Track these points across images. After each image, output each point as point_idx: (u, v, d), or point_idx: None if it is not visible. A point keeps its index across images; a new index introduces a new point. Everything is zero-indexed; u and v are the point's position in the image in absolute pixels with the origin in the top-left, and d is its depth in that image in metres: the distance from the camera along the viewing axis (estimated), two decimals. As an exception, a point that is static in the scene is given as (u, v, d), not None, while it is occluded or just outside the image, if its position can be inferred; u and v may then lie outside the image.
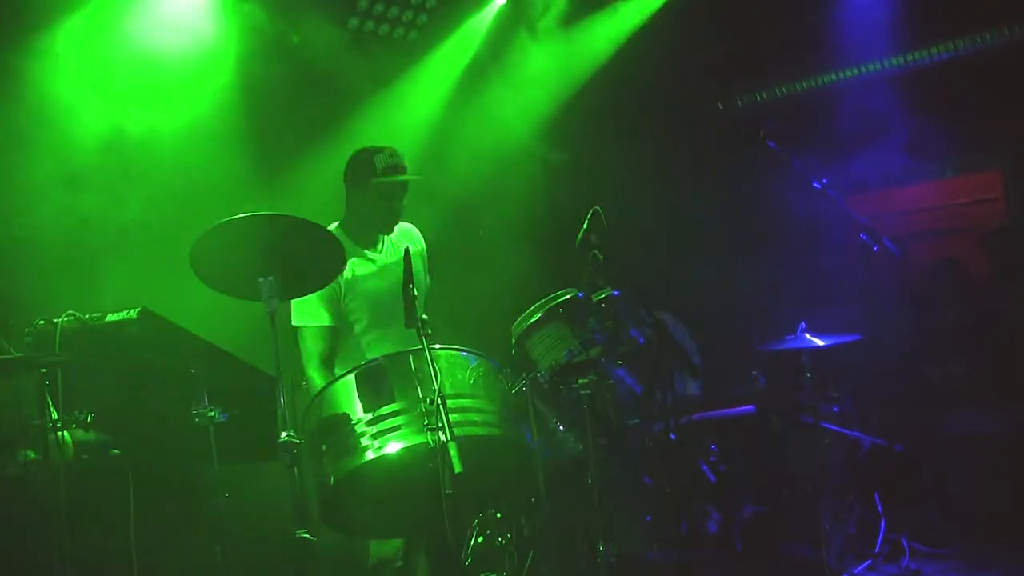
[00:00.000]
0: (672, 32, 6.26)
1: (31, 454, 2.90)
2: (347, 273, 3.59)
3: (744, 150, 5.56)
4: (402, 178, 3.73)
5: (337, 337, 3.67)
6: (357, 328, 3.72)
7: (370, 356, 3.53)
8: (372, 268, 3.78)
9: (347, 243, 3.52)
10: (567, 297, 3.58)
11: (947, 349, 5.92)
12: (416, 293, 3.04)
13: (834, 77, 6.49)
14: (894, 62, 6.22)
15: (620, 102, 6.48)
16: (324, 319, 3.62)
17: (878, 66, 6.27)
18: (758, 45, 6.57)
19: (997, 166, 6.68)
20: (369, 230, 3.82)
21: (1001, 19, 5.83)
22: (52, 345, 2.81)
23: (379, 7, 5.06)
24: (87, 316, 2.93)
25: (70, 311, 2.89)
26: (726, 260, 6.56)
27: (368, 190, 3.72)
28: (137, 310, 2.94)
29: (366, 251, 3.80)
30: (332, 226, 3.73)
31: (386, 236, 3.87)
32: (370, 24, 5.11)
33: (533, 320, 3.55)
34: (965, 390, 5.76)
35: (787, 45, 6.48)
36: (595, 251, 3.57)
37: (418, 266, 3.77)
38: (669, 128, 6.63)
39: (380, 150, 3.74)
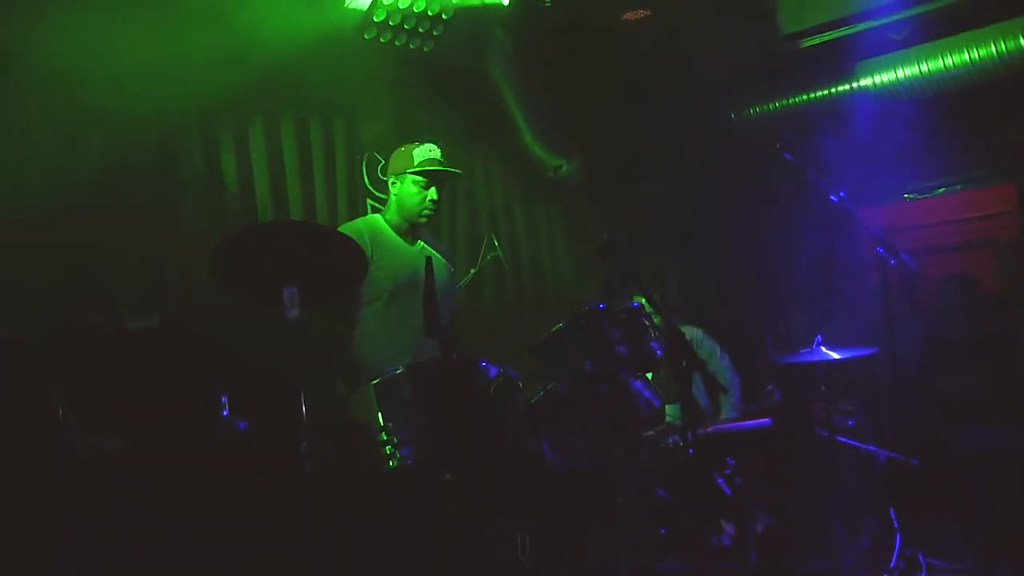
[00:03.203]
0: (685, 41, 6.27)
1: (46, 460, 2.89)
2: (377, 254, 3.87)
3: (759, 162, 5.56)
4: (436, 168, 3.97)
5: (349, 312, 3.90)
6: (377, 304, 3.90)
7: (374, 337, 3.84)
8: (398, 255, 3.97)
9: (386, 229, 4.01)
10: (588, 308, 3.57)
11: (961, 363, 5.91)
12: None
13: (848, 89, 6.48)
14: (908, 74, 6.21)
15: (631, 114, 6.50)
16: None
17: (892, 78, 6.26)
18: (772, 55, 6.58)
19: (1012, 179, 6.69)
20: (407, 221, 4.03)
21: (1017, 31, 5.81)
22: (72, 350, 2.80)
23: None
24: (107, 322, 2.93)
25: (91, 317, 2.89)
26: (741, 273, 6.57)
27: (405, 181, 3.97)
28: (157, 317, 2.95)
29: (400, 240, 4.03)
30: (374, 216, 4.12)
31: (422, 237, 4.09)
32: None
33: (554, 331, 3.54)
34: (979, 404, 5.74)
35: (800, 56, 6.48)
36: (616, 262, 3.57)
37: (442, 277, 3.97)
38: (683, 140, 6.63)
39: (419, 144, 4.02)
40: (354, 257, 3.08)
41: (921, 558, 4.58)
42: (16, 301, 3.47)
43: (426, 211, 3.97)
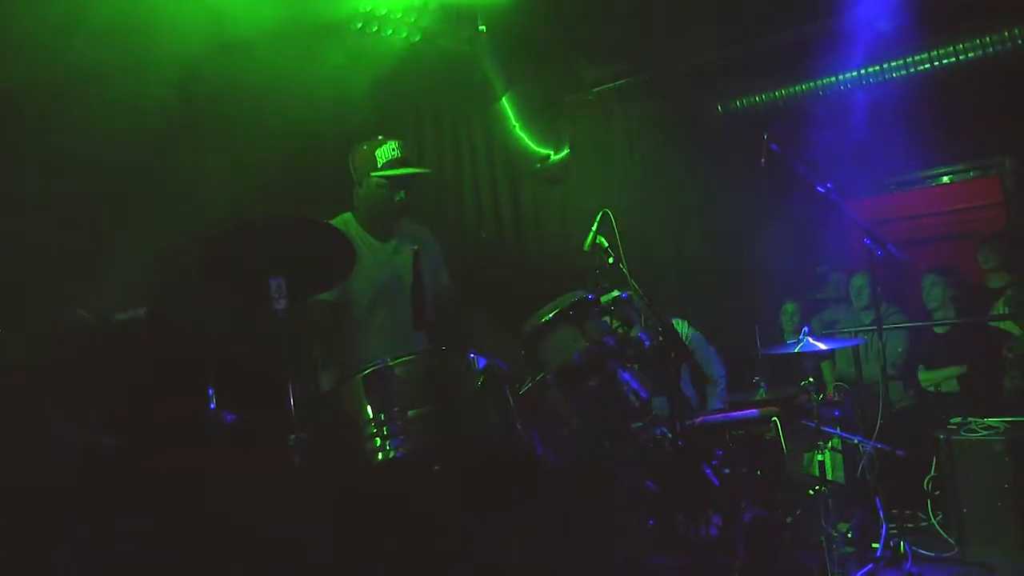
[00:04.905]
0: (671, 34, 6.27)
1: (37, 455, 2.87)
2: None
3: (746, 154, 5.57)
4: (402, 172, 3.79)
5: (340, 311, 3.77)
6: (358, 309, 3.80)
7: (360, 338, 3.73)
8: (374, 257, 3.84)
9: (359, 231, 3.83)
10: (576, 299, 3.56)
11: (946, 354, 5.95)
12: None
13: (834, 81, 6.49)
14: (895, 66, 6.23)
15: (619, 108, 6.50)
16: (326, 295, 3.68)
17: (878, 70, 6.27)
18: (758, 48, 6.58)
19: (997, 172, 6.73)
20: (378, 221, 3.89)
21: (1002, 24, 5.84)
22: (60, 344, 2.78)
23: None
24: (94, 315, 2.91)
25: (77, 310, 2.87)
26: (728, 265, 6.58)
27: (371, 183, 3.80)
28: (144, 309, 2.92)
29: (374, 240, 3.89)
30: (346, 215, 3.91)
31: (397, 231, 3.93)
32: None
33: (543, 322, 3.53)
34: (964, 395, 5.78)
35: (787, 49, 6.49)
36: (604, 253, 3.57)
37: (426, 265, 3.82)
38: (670, 133, 6.64)
39: (382, 143, 3.83)
40: (342, 249, 3.05)
41: (907, 547, 4.60)
42: (12, 301, 3.44)
43: (395, 211, 3.83)
